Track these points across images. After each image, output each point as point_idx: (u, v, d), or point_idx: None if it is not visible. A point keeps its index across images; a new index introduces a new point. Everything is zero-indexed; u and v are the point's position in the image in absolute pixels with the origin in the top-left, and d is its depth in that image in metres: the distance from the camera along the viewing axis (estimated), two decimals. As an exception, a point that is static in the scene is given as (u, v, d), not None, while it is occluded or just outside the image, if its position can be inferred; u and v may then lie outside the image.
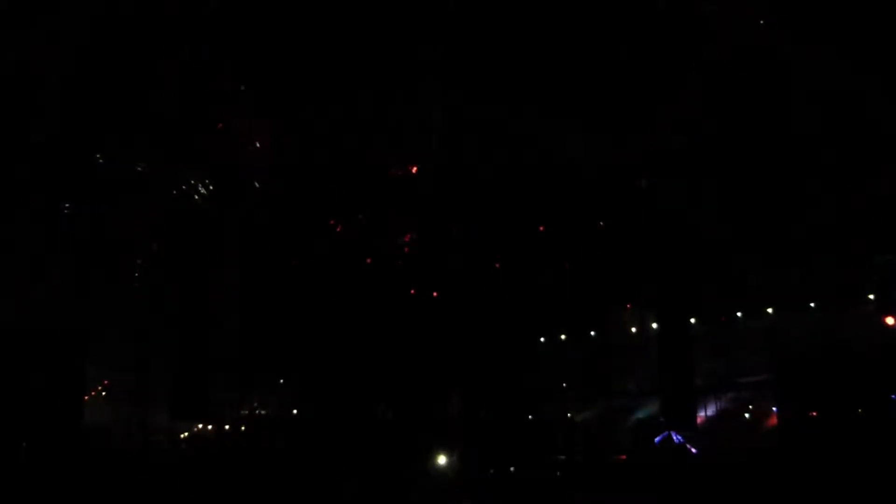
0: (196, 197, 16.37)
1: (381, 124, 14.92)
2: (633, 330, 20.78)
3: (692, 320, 17.80)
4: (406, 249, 19.93)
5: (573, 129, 15.04)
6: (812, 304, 16.79)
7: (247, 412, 20.52)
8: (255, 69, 13.18)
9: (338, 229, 19.58)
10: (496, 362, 21.53)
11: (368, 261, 20.50)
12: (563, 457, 17.22)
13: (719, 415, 17.76)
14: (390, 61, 13.15)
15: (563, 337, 20.78)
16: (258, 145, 15.23)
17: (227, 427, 19.45)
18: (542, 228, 18.80)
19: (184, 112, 13.79)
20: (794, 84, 12.99)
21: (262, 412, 20.95)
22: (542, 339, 21.05)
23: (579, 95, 14.01)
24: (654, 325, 18.60)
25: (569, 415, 20.74)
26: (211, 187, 16.41)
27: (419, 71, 13.49)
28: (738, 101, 13.63)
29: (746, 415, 17.77)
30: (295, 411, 20.59)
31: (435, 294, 21.01)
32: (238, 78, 13.26)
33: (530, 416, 20.50)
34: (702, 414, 17.56)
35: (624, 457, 17.66)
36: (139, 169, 15.28)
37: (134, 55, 12.46)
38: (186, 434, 18.77)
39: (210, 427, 19.05)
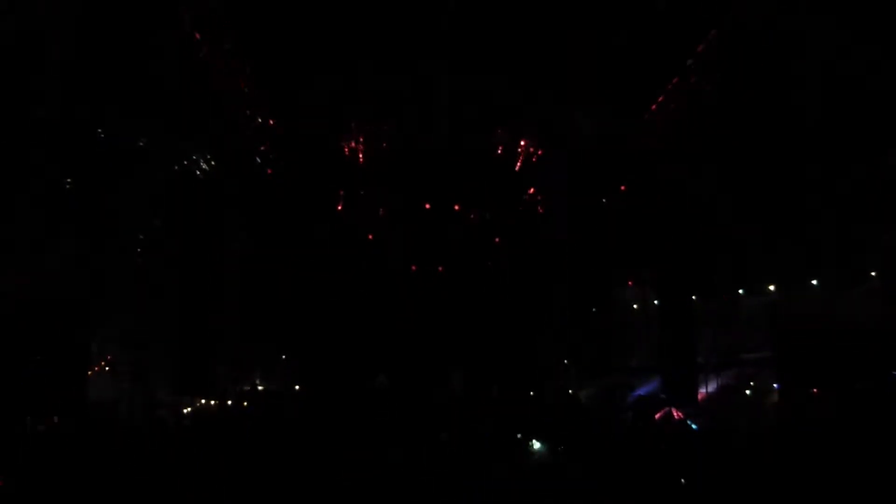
0: (197, 171, 16.37)
1: (381, 97, 14.88)
2: (635, 307, 20.79)
3: (693, 297, 17.79)
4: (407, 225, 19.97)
5: (576, 105, 15.00)
6: (814, 282, 16.73)
7: (249, 387, 20.60)
8: (255, 42, 13.09)
9: (338, 206, 19.60)
10: (497, 339, 21.58)
11: (370, 237, 20.54)
12: (563, 432, 17.25)
13: (720, 391, 17.75)
14: (391, 34, 13.06)
15: (564, 314, 20.75)
16: (259, 120, 15.20)
17: (229, 402, 19.54)
18: (541, 210, 18.81)
19: (184, 86, 13.74)
20: (800, 60, 12.88)
21: (263, 387, 21.03)
22: (543, 317, 21.04)
23: (583, 72, 13.94)
24: (656, 302, 18.59)
25: (570, 391, 20.77)
26: (212, 162, 16.40)
27: (420, 45, 13.41)
28: (743, 77, 13.53)
29: (748, 391, 17.76)
30: (297, 386, 20.69)
31: (440, 269, 21.07)
32: (239, 51, 13.17)
33: (532, 393, 20.56)
34: (703, 390, 17.56)
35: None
36: (140, 143, 15.26)
37: (134, 28, 12.39)
38: (190, 409, 18.85)
39: (213, 402, 19.13)
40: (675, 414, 17.50)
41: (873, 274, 15.90)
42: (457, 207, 19.74)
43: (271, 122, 15.26)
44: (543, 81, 14.54)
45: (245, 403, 19.67)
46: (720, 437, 15.52)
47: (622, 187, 17.40)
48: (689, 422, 17.36)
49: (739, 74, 13.53)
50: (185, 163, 16.08)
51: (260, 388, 20.90)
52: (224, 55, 13.55)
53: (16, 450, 12.93)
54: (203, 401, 18.99)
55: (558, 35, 13.42)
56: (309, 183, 18.39)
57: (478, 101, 15.29)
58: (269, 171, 17.31)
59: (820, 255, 16.11)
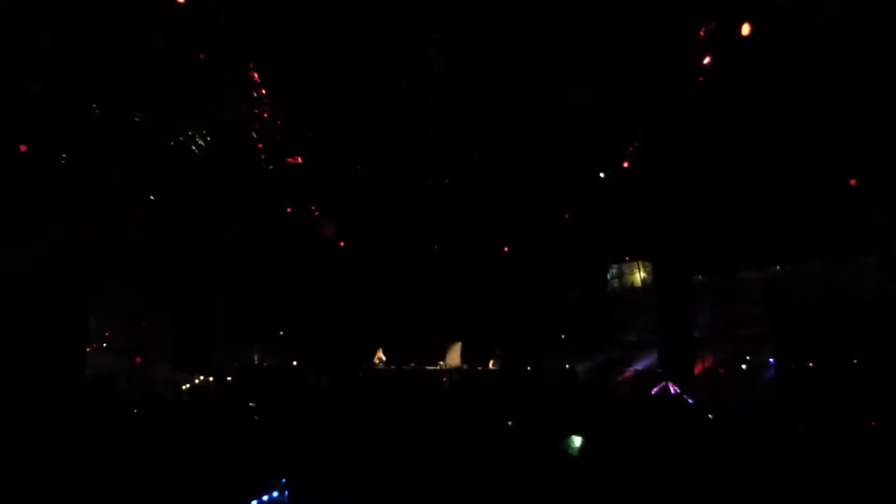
0: (194, 148, 16.27)
1: (383, 75, 14.75)
2: (633, 282, 20.88)
3: (691, 271, 17.85)
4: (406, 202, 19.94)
5: (572, 76, 14.90)
6: (812, 256, 16.77)
7: (248, 363, 20.67)
8: (254, 17, 12.93)
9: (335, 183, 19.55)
10: (495, 315, 21.68)
11: (365, 212, 20.55)
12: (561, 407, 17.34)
13: (717, 366, 17.88)
14: (392, 8, 12.91)
15: (562, 289, 20.85)
16: (256, 96, 15.08)
17: (228, 378, 19.60)
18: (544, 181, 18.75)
19: (182, 61, 13.60)
20: (795, 34, 12.80)
21: (263, 364, 21.11)
22: (541, 292, 21.13)
23: (579, 41, 13.82)
24: (653, 277, 18.65)
25: (567, 366, 20.89)
26: (209, 139, 16.30)
27: (422, 19, 13.27)
28: (739, 51, 13.44)
29: (744, 366, 17.89)
30: (295, 363, 20.79)
31: (435, 247, 21.08)
32: (236, 26, 13.01)
33: (529, 368, 20.69)
34: (700, 365, 17.69)
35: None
36: (136, 119, 15.13)
37: (131, 2, 12.23)
38: (188, 385, 18.89)
39: (211, 378, 19.18)
40: (671, 388, 17.64)
41: (871, 249, 15.94)
42: (447, 181, 19.73)
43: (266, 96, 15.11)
44: (541, 53, 14.41)
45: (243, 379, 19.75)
46: (716, 412, 15.65)
47: (623, 163, 17.32)
48: (685, 396, 17.50)
49: (739, 51, 13.43)
50: (181, 139, 15.96)
51: (265, 364, 21.00)
52: (219, 30, 13.36)
53: (12, 429, 12.90)
54: (202, 377, 19.04)
55: (556, 7, 13.26)
56: (306, 158, 18.33)
57: (476, 74, 15.15)
58: (263, 148, 17.20)
59: (818, 230, 16.16)
